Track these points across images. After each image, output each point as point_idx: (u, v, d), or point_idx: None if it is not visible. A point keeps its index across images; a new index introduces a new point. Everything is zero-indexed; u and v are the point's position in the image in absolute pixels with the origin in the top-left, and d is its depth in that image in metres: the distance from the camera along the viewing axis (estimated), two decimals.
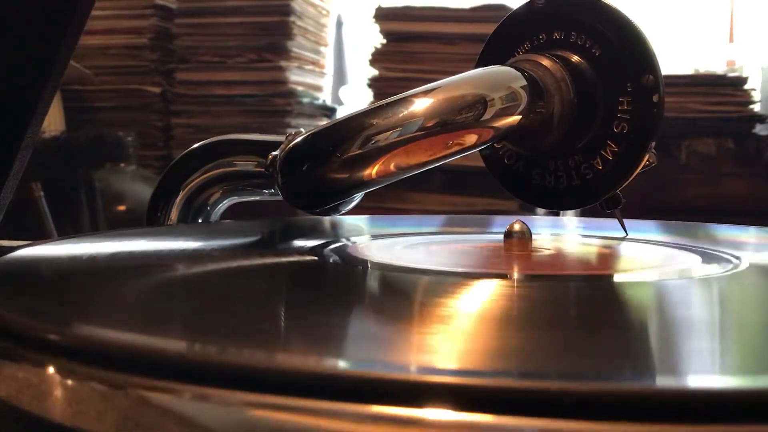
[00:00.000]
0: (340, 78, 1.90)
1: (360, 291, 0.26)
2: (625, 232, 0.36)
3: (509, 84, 0.32)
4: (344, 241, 0.34)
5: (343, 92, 1.85)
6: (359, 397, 0.13)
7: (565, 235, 0.42)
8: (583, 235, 0.41)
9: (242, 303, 0.23)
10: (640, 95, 0.32)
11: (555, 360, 0.16)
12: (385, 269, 0.28)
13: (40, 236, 0.92)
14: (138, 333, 0.17)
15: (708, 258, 0.30)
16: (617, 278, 0.28)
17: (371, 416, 0.13)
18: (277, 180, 0.32)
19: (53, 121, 1.48)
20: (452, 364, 0.16)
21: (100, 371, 0.15)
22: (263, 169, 0.40)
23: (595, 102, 0.33)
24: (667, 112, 0.33)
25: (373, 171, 0.29)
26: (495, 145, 0.36)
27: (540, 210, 0.82)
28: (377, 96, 1.45)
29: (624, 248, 0.35)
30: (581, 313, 0.22)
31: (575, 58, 0.33)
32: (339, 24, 1.88)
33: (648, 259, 0.32)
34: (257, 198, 0.44)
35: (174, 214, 0.43)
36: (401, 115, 0.29)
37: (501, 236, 0.32)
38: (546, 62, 0.33)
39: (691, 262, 0.29)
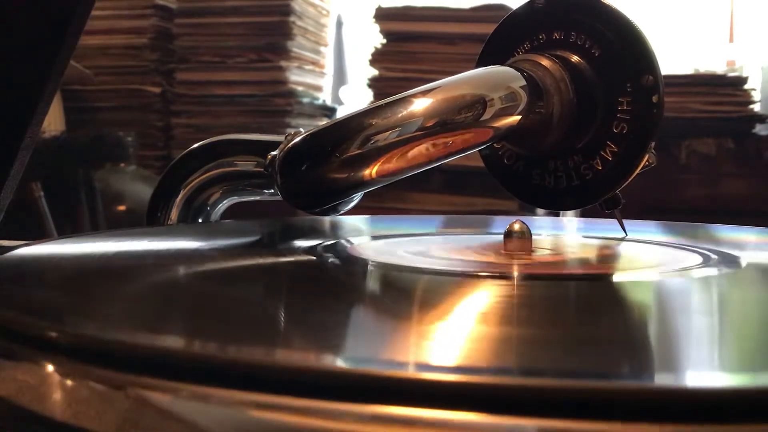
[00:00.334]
0: (340, 78, 1.90)
1: (360, 291, 0.26)
2: (625, 232, 0.36)
3: (509, 84, 0.32)
4: (344, 241, 0.34)
5: (343, 92, 1.85)
6: (358, 396, 0.13)
7: (564, 235, 0.42)
8: (583, 236, 0.41)
9: (242, 303, 0.23)
10: (639, 95, 0.32)
11: (554, 359, 0.16)
12: (384, 269, 0.28)
13: (40, 236, 0.92)
14: (138, 332, 0.17)
15: (708, 258, 0.30)
16: (617, 278, 0.28)
17: (370, 416, 0.13)
18: (277, 180, 0.32)
19: (53, 121, 1.48)
20: (451, 364, 0.16)
21: (100, 370, 0.15)
22: (263, 169, 0.40)
23: (595, 102, 0.33)
24: (667, 112, 0.33)
25: (372, 171, 0.29)
26: (495, 145, 0.36)
27: (540, 210, 0.82)
28: (377, 96, 1.45)
29: (624, 248, 0.35)
30: (581, 313, 0.22)
31: (575, 58, 0.34)
32: (339, 24, 1.88)
33: (647, 259, 0.32)
34: (257, 198, 0.44)
35: (174, 214, 0.43)
36: (401, 115, 0.29)
37: (501, 236, 0.32)
38: (545, 62, 0.33)
39: (690, 262, 0.29)
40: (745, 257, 0.29)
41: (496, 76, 0.32)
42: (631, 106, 0.33)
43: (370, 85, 1.49)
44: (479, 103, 0.30)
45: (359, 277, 0.28)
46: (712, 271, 0.27)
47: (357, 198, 0.36)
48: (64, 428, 0.14)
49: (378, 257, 0.30)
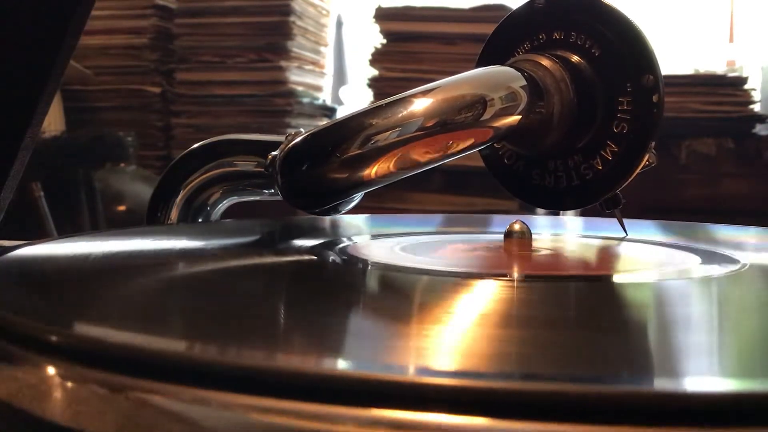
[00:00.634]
0: (340, 78, 1.90)
1: (360, 291, 0.26)
2: (625, 232, 0.36)
3: (509, 84, 0.32)
4: (344, 241, 0.34)
5: (343, 92, 1.85)
6: (358, 399, 0.13)
7: (565, 235, 0.42)
8: (583, 236, 0.41)
9: (242, 303, 0.23)
10: (639, 95, 0.32)
11: (554, 362, 0.16)
12: (384, 269, 0.28)
13: (40, 236, 0.92)
14: (138, 334, 0.17)
15: (708, 258, 0.30)
16: (617, 278, 0.28)
17: (370, 419, 0.13)
18: (277, 180, 0.32)
19: (53, 121, 1.48)
20: (451, 366, 0.16)
21: (100, 372, 0.15)
22: (263, 169, 0.40)
23: (595, 102, 0.33)
24: (667, 112, 0.33)
25: (372, 171, 0.29)
26: (495, 145, 0.36)
27: (540, 210, 0.82)
28: (377, 96, 1.45)
29: (624, 248, 0.35)
30: (581, 313, 0.22)
31: (575, 58, 0.33)
32: (339, 24, 1.88)
33: (648, 259, 0.32)
34: (257, 198, 0.44)
35: (174, 214, 0.43)
36: (401, 115, 0.29)
37: (501, 236, 0.32)
38: (546, 62, 0.33)
39: (690, 263, 0.29)
40: (745, 257, 0.29)
41: (496, 76, 0.32)
42: (631, 106, 0.33)
43: (370, 85, 1.49)
44: (479, 103, 0.30)
45: (359, 277, 0.28)
46: (712, 272, 0.27)
47: (357, 198, 0.36)
48: (64, 431, 0.14)
49: (378, 257, 0.30)
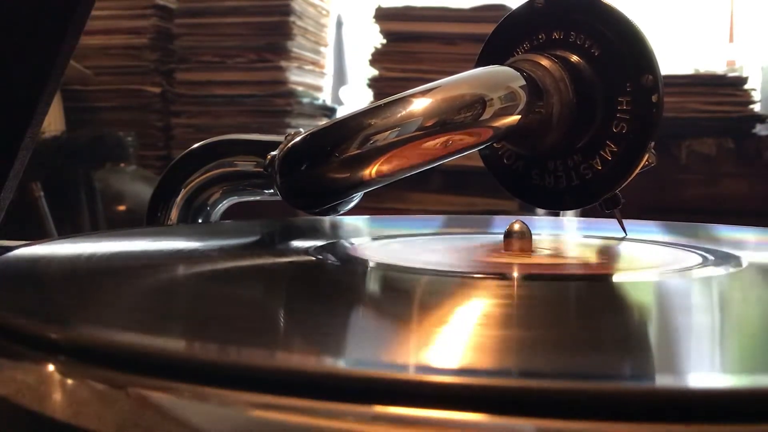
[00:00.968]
0: (340, 78, 1.90)
1: (360, 291, 0.26)
2: (625, 232, 0.36)
3: (508, 84, 0.32)
4: (344, 242, 0.34)
5: (343, 92, 1.85)
6: (359, 397, 0.13)
7: (564, 235, 0.42)
8: (583, 236, 0.41)
9: (242, 303, 0.23)
10: (639, 95, 0.32)
11: (554, 360, 0.16)
12: (384, 269, 0.28)
13: (40, 236, 0.92)
14: (138, 333, 0.17)
15: (708, 258, 0.30)
16: (617, 278, 0.28)
17: (371, 416, 0.13)
18: (276, 180, 0.32)
19: (53, 121, 1.48)
20: (451, 364, 0.16)
21: (100, 371, 0.15)
22: (263, 169, 0.40)
23: (595, 102, 0.33)
24: (667, 112, 0.33)
25: (371, 171, 0.29)
26: (494, 145, 0.36)
27: (540, 210, 0.82)
28: (377, 96, 1.45)
29: (623, 248, 0.35)
30: (581, 313, 0.22)
31: (574, 58, 0.34)
32: (339, 24, 1.88)
33: (647, 259, 0.32)
34: (257, 198, 0.44)
35: (174, 214, 0.43)
36: (400, 115, 0.29)
37: (501, 236, 0.32)
38: (545, 62, 0.33)
39: (690, 262, 0.29)
40: (745, 257, 0.29)
41: (495, 76, 0.32)
42: (630, 105, 0.33)
43: (370, 85, 1.49)
44: (479, 103, 0.30)
45: (359, 277, 0.28)
46: (712, 271, 0.27)
47: (357, 198, 0.36)
48: (64, 428, 0.14)
49: (378, 257, 0.30)
